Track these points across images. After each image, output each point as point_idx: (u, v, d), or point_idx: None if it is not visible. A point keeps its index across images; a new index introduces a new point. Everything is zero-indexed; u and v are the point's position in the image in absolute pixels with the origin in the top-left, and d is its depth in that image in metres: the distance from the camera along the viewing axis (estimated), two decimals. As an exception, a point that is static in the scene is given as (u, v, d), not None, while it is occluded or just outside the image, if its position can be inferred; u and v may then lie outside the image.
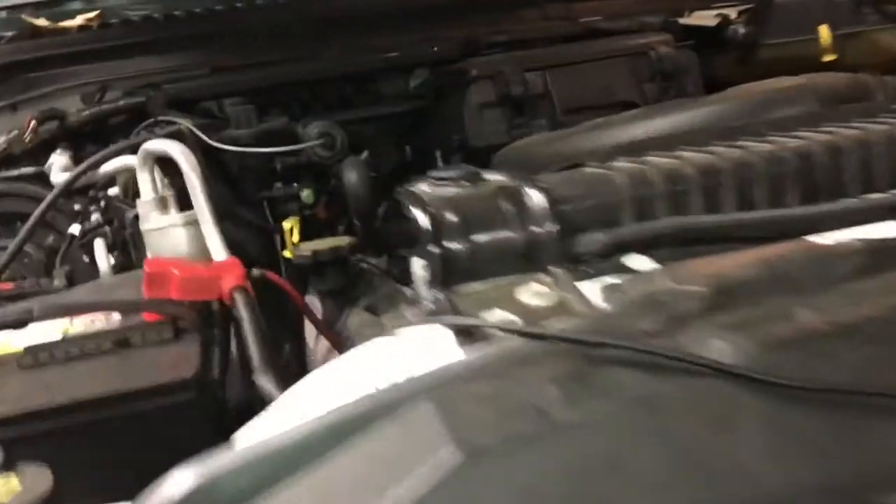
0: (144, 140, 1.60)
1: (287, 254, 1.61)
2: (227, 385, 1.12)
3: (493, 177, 0.94)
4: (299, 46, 1.87)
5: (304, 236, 1.73)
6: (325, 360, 1.45)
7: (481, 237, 0.84)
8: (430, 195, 0.89)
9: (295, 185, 1.72)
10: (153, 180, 1.58)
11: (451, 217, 0.85)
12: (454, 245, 0.83)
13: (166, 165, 1.61)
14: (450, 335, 0.82)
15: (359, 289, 1.54)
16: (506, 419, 0.66)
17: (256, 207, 1.77)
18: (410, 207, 0.87)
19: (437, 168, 1.80)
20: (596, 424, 0.64)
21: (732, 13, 2.02)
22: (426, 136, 1.81)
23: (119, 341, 1.11)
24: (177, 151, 1.55)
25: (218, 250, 1.50)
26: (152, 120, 1.69)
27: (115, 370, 1.06)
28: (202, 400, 1.05)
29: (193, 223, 1.58)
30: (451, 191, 0.90)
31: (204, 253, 1.55)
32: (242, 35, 1.90)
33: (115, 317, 1.18)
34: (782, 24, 1.95)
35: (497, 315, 0.82)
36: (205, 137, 1.59)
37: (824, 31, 1.86)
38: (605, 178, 0.94)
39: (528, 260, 0.88)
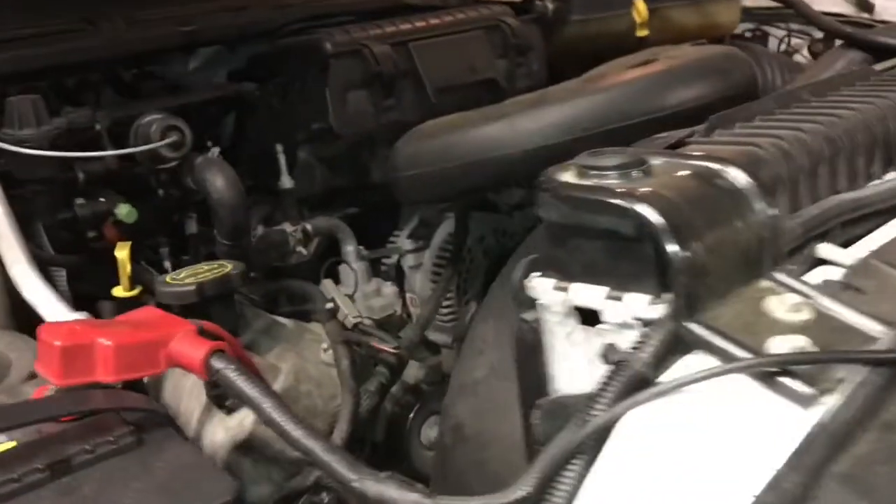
0: None
1: (119, 291, 1.19)
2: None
3: (659, 160, 0.70)
4: (62, 18, 1.40)
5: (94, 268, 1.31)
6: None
7: (713, 237, 0.61)
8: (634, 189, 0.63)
9: (101, 199, 1.29)
10: None
11: (687, 216, 0.60)
12: (698, 251, 0.60)
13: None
14: (748, 382, 0.58)
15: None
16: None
17: (40, 234, 1.30)
18: (630, 206, 0.61)
19: (279, 167, 1.45)
20: None
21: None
22: (256, 128, 1.44)
23: (56, 464, 0.67)
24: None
25: (49, 302, 1.07)
26: None
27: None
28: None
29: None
30: (642, 182, 0.65)
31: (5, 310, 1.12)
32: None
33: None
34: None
35: (785, 343, 0.60)
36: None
37: (641, 6, 1.80)
38: (780, 150, 0.74)
39: (746, 261, 0.66)
